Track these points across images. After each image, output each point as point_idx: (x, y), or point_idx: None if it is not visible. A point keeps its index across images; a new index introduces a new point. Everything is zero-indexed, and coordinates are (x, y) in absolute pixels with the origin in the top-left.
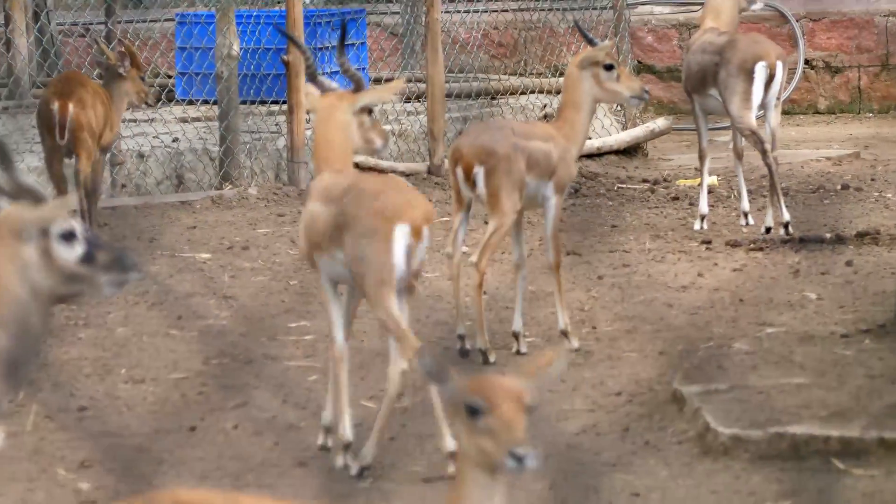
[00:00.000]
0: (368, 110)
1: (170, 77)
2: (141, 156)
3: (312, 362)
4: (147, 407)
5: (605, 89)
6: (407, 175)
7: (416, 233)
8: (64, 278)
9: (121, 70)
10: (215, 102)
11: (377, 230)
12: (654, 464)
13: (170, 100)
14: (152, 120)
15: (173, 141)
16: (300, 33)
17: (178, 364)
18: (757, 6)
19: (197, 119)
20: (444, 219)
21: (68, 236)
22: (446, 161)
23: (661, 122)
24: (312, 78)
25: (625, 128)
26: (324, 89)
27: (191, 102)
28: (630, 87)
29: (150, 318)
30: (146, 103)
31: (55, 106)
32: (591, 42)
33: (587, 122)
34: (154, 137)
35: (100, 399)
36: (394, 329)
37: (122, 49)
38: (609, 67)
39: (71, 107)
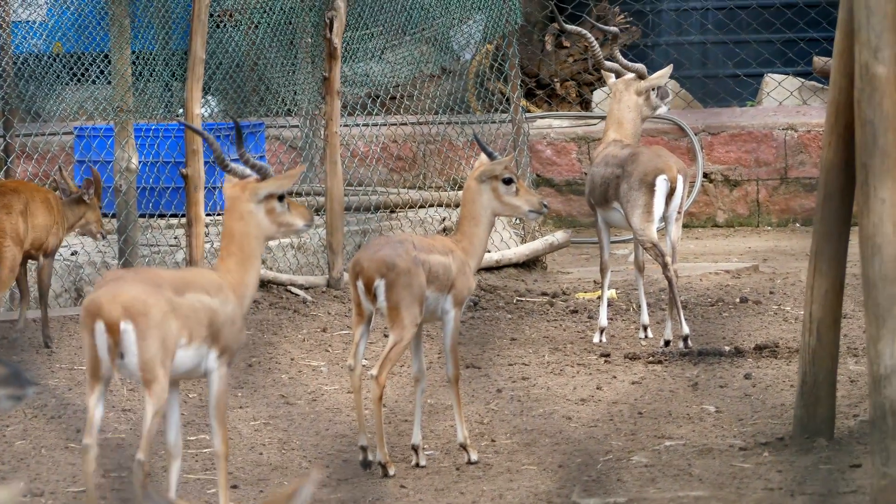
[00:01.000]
0: (279, 196)
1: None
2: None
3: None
4: None
5: (504, 203)
6: (306, 288)
7: None
8: None
9: (85, 198)
10: (114, 216)
11: None
12: None
13: None
14: None
15: (72, 254)
16: (199, 147)
17: (76, 477)
18: (662, 109)
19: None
20: (344, 332)
21: None
22: (346, 274)
23: (559, 236)
24: (224, 166)
25: (524, 241)
26: (239, 176)
27: None
28: (529, 202)
29: (49, 432)
30: (101, 234)
31: None
32: (490, 155)
33: (486, 236)
34: None
35: None
36: None
37: (90, 178)
38: (508, 181)
39: None
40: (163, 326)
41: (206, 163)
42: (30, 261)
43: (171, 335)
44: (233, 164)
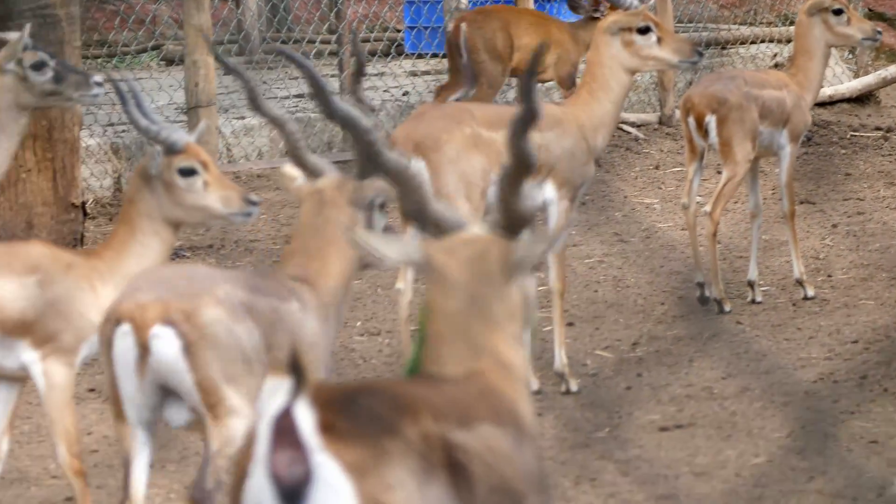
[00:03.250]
0: (640, 29)
1: (399, 31)
2: (371, 109)
3: (546, 312)
4: None
5: (836, 33)
6: (638, 126)
7: None
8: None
9: (596, 14)
10: (444, 56)
11: None
12: (893, 411)
13: (399, 53)
14: (382, 74)
15: (403, 94)
16: None
17: None
18: None
19: (426, 72)
20: (677, 169)
21: None
22: (677, 111)
23: (893, 70)
24: None
25: (857, 75)
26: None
27: (420, 56)
28: (861, 29)
29: None
30: None
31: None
32: None
33: (821, 69)
34: (384, 91)
35: None
36: None
37: None
38: (838, 12)
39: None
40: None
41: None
42: None
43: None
44: None
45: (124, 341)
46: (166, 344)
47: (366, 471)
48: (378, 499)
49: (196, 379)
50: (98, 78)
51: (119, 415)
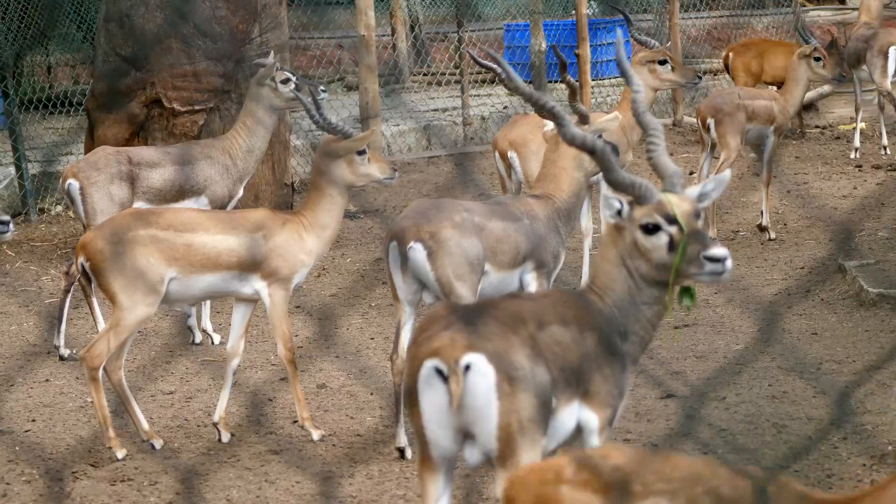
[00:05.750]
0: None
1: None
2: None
3: None
4: None
5: (815, 73)
6: None
7: None
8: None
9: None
10: (530, 82)
11: None
12: (828, 313)
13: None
14: (489, 94)
15: (503, 108)
16: (586, 35)
17: None
18: None
19: None
20: (685, 156)
21: None
22: (685, 117)
23: (826, 89)
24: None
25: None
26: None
27: None
28: (831, 71)
29: None
30: None
31: None
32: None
33: (802, 93)
34: (491, 106)
35: None
36: None
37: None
38: (817, 59)
39: None
40: None
41: (591, 45)
42: None
43: None
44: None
45: (393, 251)
46: (417, 253)
47: (500, 357)
48: (510, 375)
49: (435, 276)
50: (322, 87)
51: (395, 296)
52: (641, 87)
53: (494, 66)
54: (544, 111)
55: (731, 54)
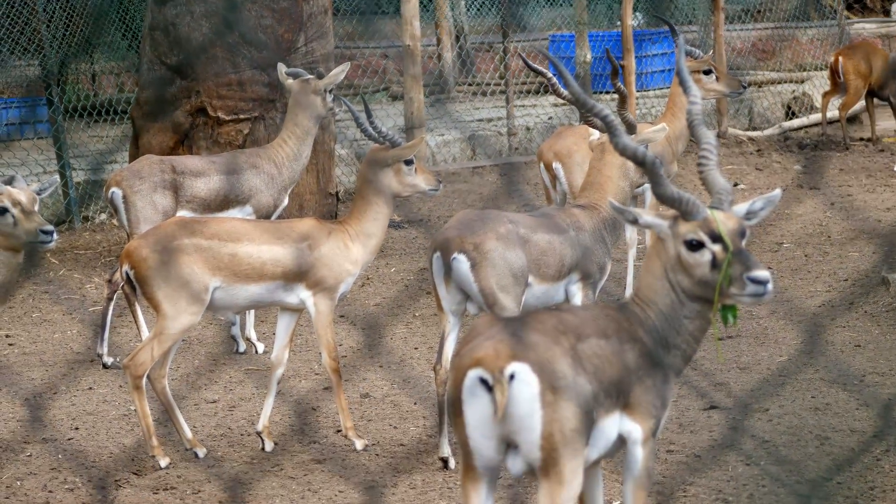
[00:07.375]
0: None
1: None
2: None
3: None
4: None
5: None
6: None
7: None
8: None
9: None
10: None
11: None
12: (871, 325)
13: (546, 91)
14: (535, 105)
15: (548, 119)
16: (631, 46)
17: None
18: None
19: (564, 105)
20: (729, 167)
21: None
22: (730, 129)
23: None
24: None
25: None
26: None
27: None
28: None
29: None
30: None
31: None
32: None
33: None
34: (536, 117)
35: None
36: None
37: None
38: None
39: None
40: None
41: (636, 56)
42: None
43: None
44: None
45: (437, 262)
46: (461, 264)
47: (544, 367)
48: (553, 384)
49: (479, 287)
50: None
51: (440, 307)
52: (699, 97)
53: (545, 70)
54: (598, 119)
55: (840, 58)
